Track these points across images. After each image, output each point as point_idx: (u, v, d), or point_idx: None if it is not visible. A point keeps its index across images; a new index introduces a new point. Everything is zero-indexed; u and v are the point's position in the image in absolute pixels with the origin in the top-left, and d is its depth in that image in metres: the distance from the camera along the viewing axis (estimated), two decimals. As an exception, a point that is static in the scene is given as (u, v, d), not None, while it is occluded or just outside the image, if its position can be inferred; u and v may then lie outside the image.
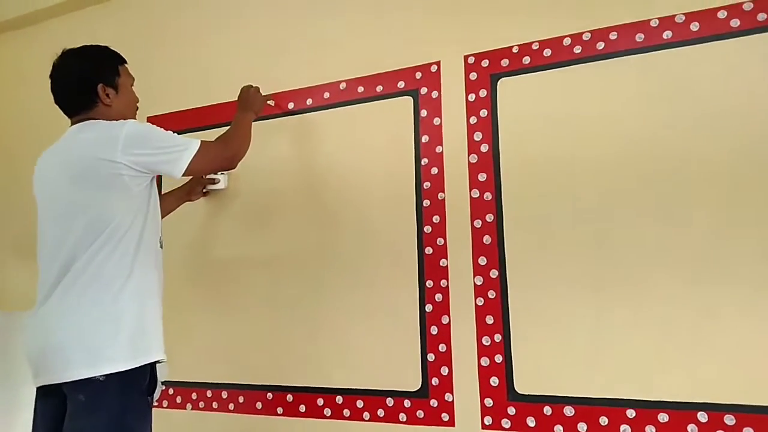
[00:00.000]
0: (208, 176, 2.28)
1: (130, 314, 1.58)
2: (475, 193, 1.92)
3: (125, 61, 1.84)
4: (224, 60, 2.42)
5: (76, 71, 1.73)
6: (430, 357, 1.92)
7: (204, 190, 2.32)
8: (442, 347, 1.91)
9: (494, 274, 1.86)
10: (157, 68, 2.53)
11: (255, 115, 2.03)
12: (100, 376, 1.50)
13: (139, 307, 1.60)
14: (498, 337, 1.84)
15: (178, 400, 2.33)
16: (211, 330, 2.30)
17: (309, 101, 2.22)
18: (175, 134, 1.72)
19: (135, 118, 1.80)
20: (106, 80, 1.74)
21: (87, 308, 1.54)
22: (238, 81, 2.13)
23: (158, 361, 1.64)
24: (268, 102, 2.21)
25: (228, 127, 1.93)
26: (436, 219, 1.96)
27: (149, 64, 2.29)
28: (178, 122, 2.44)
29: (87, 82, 1.72)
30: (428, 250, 1.97)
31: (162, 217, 1.81)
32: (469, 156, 1.94)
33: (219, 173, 2.28)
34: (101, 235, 1.57)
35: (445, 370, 1.90)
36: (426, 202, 1.99)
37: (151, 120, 2.50)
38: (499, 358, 1.83)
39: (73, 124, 1.74)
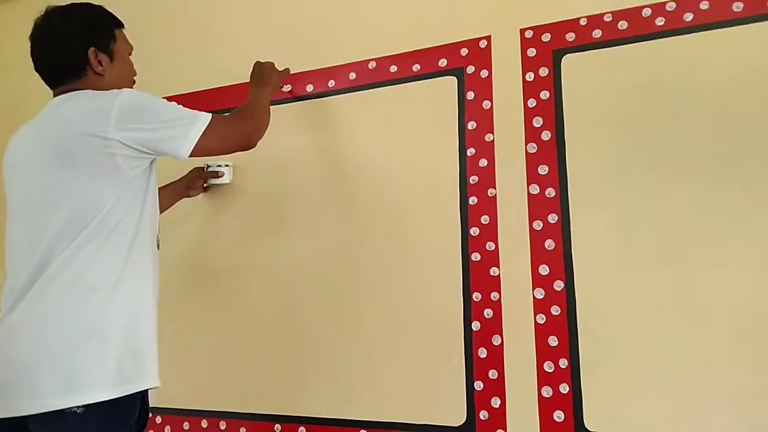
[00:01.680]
0: (210, 168, 1.98)
1: (119, 329, 1.29)
2: (535, 189, 1.63)
3: (122, 25, 1.56)
4: (233, 35, 2.14)
5: (63, 31, 1.44)
6: (478, 385, 1.63)
7: (205, 185, 2.03)
8: (492, 374, 1.62)
9: (559, 285, 1.58)
10: (157, 45, 2.22)
11: (273, 91, 1.76)
12: (78, 407, 1.21)
13: (130, 319, 1.32)
14: (563, 363, 1.55)
15: (167, 430, 2.02)
16: (209, 348, 2.01)
17: (331, 83, 1.94)
18: (181, 106, 1.43)
19: None
20: (98, 44, 1.46)
21: (65, 319, 1.25)
22: (249, 60, 1.84)
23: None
24: (283, 88, 1.94)
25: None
26: (485, 219, 1.68)
27: (149, 39, 2.01)
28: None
29: (75, 44, 1.43)
30: (475, 257, 1.67)
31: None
32: (527, 145, 1.66)
33: (223, 165, 1.98)
34: (85, 229, 1.29)
35: (496, 402, 1.60)
36: (473, 200, 1.70)
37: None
38: (564, 388, 1.54)
39: (55, 96, 1.45)
